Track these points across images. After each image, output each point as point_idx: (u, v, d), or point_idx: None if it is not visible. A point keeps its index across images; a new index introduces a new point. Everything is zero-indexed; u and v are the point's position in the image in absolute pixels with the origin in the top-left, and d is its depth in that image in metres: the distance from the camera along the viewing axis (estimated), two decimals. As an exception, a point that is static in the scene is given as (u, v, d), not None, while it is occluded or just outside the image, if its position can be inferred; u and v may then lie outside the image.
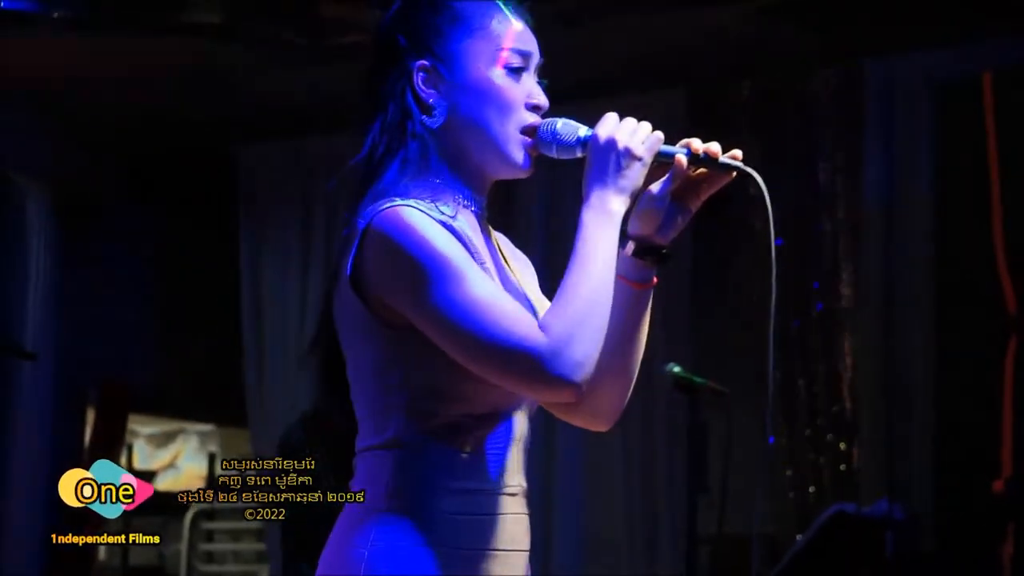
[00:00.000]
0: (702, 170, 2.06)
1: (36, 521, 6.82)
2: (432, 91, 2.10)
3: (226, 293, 7.24)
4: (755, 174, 2.04)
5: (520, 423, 2.08)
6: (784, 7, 5.58)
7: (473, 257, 2.00)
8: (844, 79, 6.03)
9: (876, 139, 5.87)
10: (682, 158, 2.03)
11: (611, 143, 2.01)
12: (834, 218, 6.01)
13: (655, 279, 2.12)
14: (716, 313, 6.34)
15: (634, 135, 2.02)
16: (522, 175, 2.13)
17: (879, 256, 5.81)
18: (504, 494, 2.06)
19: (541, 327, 1.93)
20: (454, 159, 2.10)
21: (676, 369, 4.60)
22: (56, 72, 6.35)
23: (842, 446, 5.88)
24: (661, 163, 2.04)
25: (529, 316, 1.95)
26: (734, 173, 2.05)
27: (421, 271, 1.96)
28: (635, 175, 2.01)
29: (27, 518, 6.78)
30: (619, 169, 2.01)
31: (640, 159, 2.01)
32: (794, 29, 5.76)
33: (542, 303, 2.16)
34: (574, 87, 5.92)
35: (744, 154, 2.06)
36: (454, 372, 1.99)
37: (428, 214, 2.00)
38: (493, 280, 2.02)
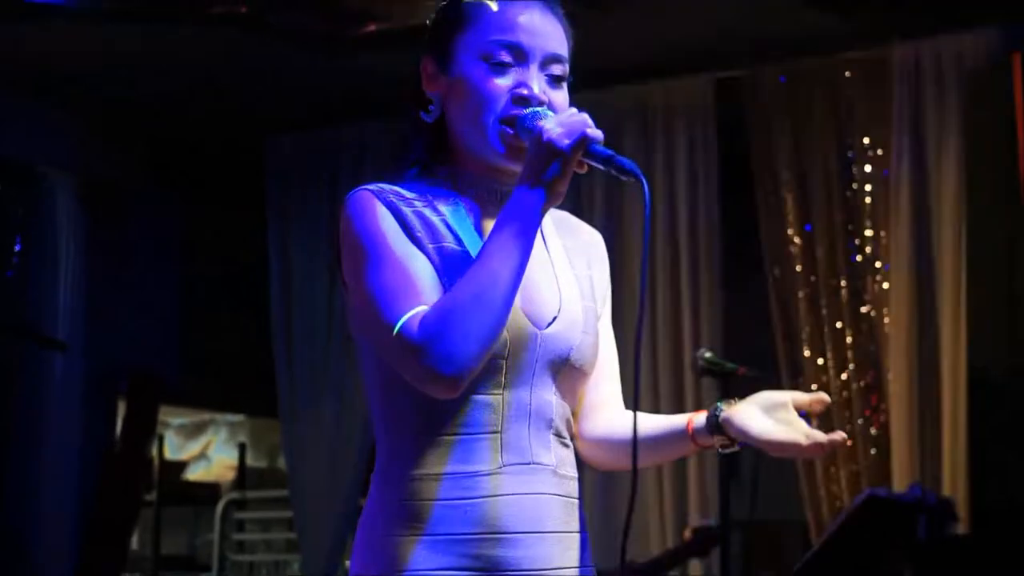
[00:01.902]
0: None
1: (69, 512, 6.85)
2: (432, 86, 2.13)
3: (254, 283, 7.25)
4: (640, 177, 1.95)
5: (513, 400, 2.02)
6: (812, -9, 5.58)
7: (417, 239, 2.00)
8: (872, 62, 6.00)
9: (905, 122, 5.84)
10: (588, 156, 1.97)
11: (541, 135, 1.96)
12: (863, 201, 5.98)
13: None
14: (747, 300, 6.33)
15: (561, 128, 1.96)
16: (508, 164, 2.08)
17: (909, 237, 5.78)
18: (502, 475, 2.00)
19: (420, 320, 1.92)
20: (451, 150, 2.12)
21: (708, 355, 4.61)
22: (83, 63, 6.37)
23: (873, 431, 5.86)
24: (583, 158, 1.98)
25: (423, 307, 1.93)
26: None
27: (353, 252, 2.01)
28: (556, 169, 1.95)
29: (60, 509, 6.80)
30: (541, 162, 1.95)
31: (561, 153, 1.94)
32: (821, 13, 5.74)
33: (569, 287, 2.13)
34: (602, 74, 5.92)
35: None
36: None
37: (378, 196, 2.03)
38: (451, 262, 2.00)
